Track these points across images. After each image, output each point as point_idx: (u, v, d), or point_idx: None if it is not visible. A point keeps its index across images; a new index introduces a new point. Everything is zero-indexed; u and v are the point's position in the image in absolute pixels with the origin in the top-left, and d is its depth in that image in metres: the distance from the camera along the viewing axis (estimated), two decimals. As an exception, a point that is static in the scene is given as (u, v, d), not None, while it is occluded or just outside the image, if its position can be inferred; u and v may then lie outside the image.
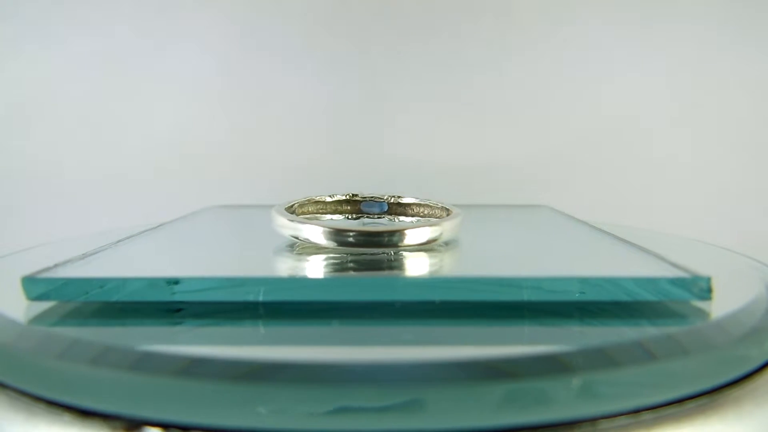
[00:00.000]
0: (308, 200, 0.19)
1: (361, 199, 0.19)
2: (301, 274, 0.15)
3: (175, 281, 0.12)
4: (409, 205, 0.19)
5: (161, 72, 0.31)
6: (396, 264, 0.15)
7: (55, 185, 0.32)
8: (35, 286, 0.13)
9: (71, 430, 0.10)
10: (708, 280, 0.12)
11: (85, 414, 0.10)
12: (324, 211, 0.19)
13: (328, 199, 0.19)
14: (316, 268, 0.15)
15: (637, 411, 0.10)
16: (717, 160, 0.30)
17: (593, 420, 0.10)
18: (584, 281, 0.12)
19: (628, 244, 0.16)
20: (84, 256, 0.15)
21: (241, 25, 0.31)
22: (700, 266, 0.13)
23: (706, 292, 0.12)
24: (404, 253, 0.15)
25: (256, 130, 0.32)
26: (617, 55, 0.30)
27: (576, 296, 0.12)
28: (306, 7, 0.31)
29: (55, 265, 0.14)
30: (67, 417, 0.10)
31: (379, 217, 0.19)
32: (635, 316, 0.12)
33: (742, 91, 0.30)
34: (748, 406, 0.10)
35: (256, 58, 0.31)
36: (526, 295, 0.12)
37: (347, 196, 0.19)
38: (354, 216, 0.19)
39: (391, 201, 0.19)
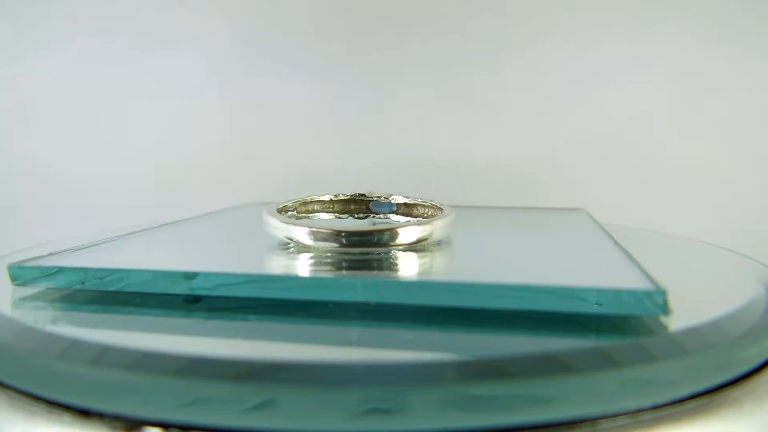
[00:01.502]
0: (311, 200, 0.18)
1: (368, 199, 0.19)
2: (282, 272, 0.14)
3: (193, 275, 0.13)
4: (414, 205, 0.19)
5: (162, 73, 0.31)
6: (378, 264, 0.14)
7: (55, 187, 0.32)
8: (21, 273, 0.13)
9: (71, 430, 0.10)
10: (663, 293, 0.11)
11: (85, 414, 0.10)
12: (330, 210, 0.19)
13: (333, 198, 0.19)
14: (299, 267, 0.14)
15: (637, 411, 0.10)
16: (718, 159, 0.30)
17: (593, 420, 0.10)
18: (518, 288, 0.11)
19: (626, 253, 0.15)
20: (83, 247, 0.15)
21: (241, 26, 0.31)
22: (699, 266, 0.12)
23: (663, 307, 0.11)
24: (396, 253, 0.15)
25: (257, 132, 0.32)
26: (617, 56, 0.30)
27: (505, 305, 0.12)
28: (306, 7, 0.31)
29: (49, 254, 0.14)
30: (67, 417, 0.10)
31: (386, 218, 0.19)
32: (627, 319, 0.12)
33: (744, 91, 0.29)
34: (748, 406, 0.10)
35: (256, 60, 0.31)
36: (480, 302, 0.12)
37: (352, 196, 0.19)
38: (362, 216, 0.19)
39: (396, 201, 0.19)
